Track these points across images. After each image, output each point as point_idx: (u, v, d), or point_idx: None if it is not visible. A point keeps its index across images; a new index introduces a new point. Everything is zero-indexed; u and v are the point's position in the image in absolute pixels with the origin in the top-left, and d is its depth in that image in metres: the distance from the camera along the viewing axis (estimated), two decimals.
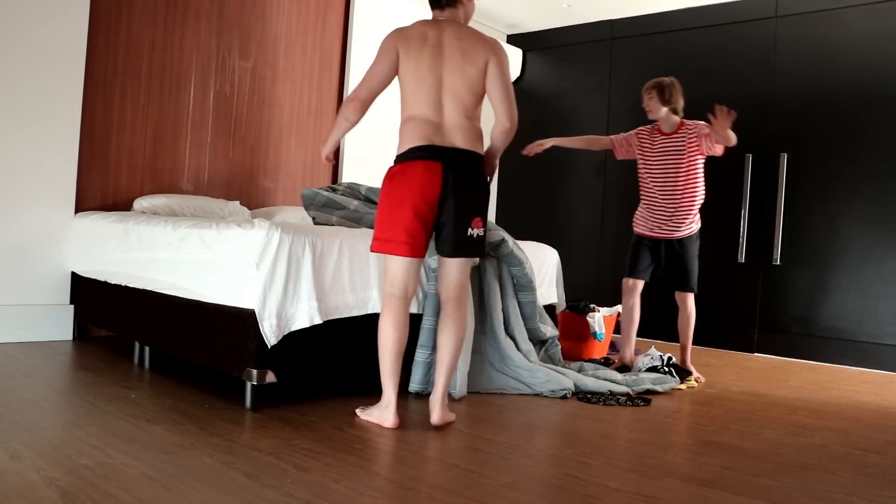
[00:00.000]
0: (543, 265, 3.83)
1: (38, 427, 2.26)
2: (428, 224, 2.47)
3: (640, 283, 3.86)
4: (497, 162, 2.78)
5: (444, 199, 2.46)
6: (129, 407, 2.55)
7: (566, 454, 2.32)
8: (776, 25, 5.10)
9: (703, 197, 3.76)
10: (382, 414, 2.51)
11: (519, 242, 3.48)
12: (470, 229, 2.51)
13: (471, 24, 2.90)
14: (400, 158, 2.50)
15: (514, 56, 6.30)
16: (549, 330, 3.42)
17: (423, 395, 3.00)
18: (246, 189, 4.70)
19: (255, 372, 2.58)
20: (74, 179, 3.86)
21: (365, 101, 2.59)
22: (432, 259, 3.00)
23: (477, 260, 3.13)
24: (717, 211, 5.27)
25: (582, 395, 3.17)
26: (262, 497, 1.76)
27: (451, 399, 2.98)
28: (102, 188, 4.04)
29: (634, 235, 3.87)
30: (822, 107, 4.87)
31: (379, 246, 2.49)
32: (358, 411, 2.62)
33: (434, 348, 3.02)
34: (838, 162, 4.79)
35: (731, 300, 5.16)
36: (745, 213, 5.11)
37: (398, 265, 2.48)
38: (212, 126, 4.50)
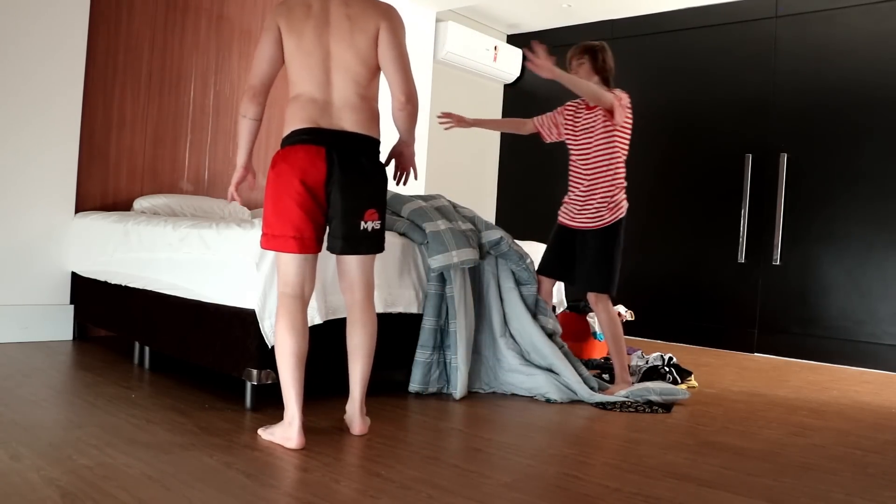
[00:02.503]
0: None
1: (38, 427, 2.26)
2: (316, 216, 2.23)
3: (547, 282, 3.42)
4: (412, 151, 2.52)
5: (330, 188, 2.22)
6: (129, 407, 2.55)
7: (566, 454, 2.32)
8: (776, 25, 5.10)
9: (620, 181, 3.28)
10: (286, 432, 2.19)
11: (519, 242, 3.47)
12: (363, 222, 2.27)
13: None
14: (283, 143, 2.26)
15: (515, 56, 6.30)
16: (550, 322, 3.32)
17: (423, 396, 3.00)
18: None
19: (255, 372, 2.57)
20: (74, 179, 3.86)
21: (258, 89, 2.30)
22: (432, 259, 3.00)
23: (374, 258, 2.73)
24: (717, 211, 5.28)
25: (598, 403, 3.01)
26: (262, 497, 1.76)
27: (451, 399, 2.98)
28: (102, 188, 4.04)
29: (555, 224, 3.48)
30: (822, 107, 4.87)
31: (267, 242, 2.24)
32: (260, 431, 2.30)
33: (434, 348, 3.02)
34: (838, 162, 4.79)
35: (731, 300, 5.16)
36: (745, 213, 5.11)
37: (289, 262, 2.23)
38: (212, 126, 4.50)
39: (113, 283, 3.44)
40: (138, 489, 1.76)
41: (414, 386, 3.00)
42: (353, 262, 2.33)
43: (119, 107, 4.08)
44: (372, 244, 2.33)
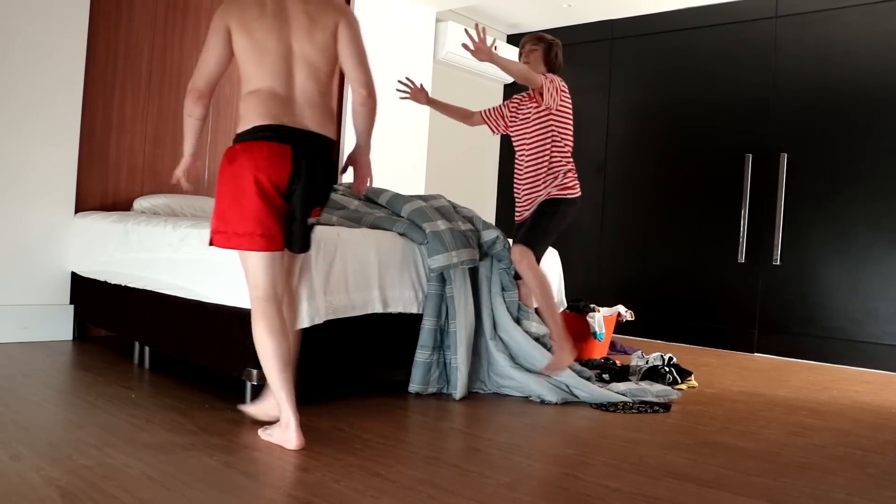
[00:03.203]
0: (543, 265, 3.82)
1: (38, 427, 2.26)
2: (280, 213, 2.19)
3: (524, 286, 3.30)
4: (369, 160, 2.51)
5: (292, 188, 2.20)
6: (129, 407, 2.55)
7: (566, 454, 2.32)
8: (776, 25, 5.10)
9: (561, 165, 3.22)
10: (284, 434, 2.17)
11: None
12: (310, 219, 2.32)
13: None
14: (242, 137, 2.19)
15: (515, 56, 6.29)
16: (534, 326, 3.29)
17: (423, 396, 3.00)
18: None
19: (255, 372, 2.57)
20: (74, 179, 3.86)
21: (203, 91, 2.28)
22: (432, 259, 3.00)
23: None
24: (717, 211, 5.28)
25: (598, 404, 3.00)
26: (262, 497, 1.76)
27: (451, 399, 2.98)
28: (102, 188, 4.04)
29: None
30: (822, 107, 4.87)
31: (225, 240, 2.16)
32: (259, 432, 2.28)
33: (434, 348, 3.02)
34: (838, 162, 4.79)
35: (731, 300, 5.16)
36: (745, 213, 5.11)
37: (258, 263, 2.17)
38: (211, 126, 4.50)
39: (113, 283, 3.44)
40: (138, 489, 1.76)
41: (414, 386, 3.00)
42: (295, 258, 2.40)
43: (119, 107, 4.08)
44: (309, 239, 2.40)
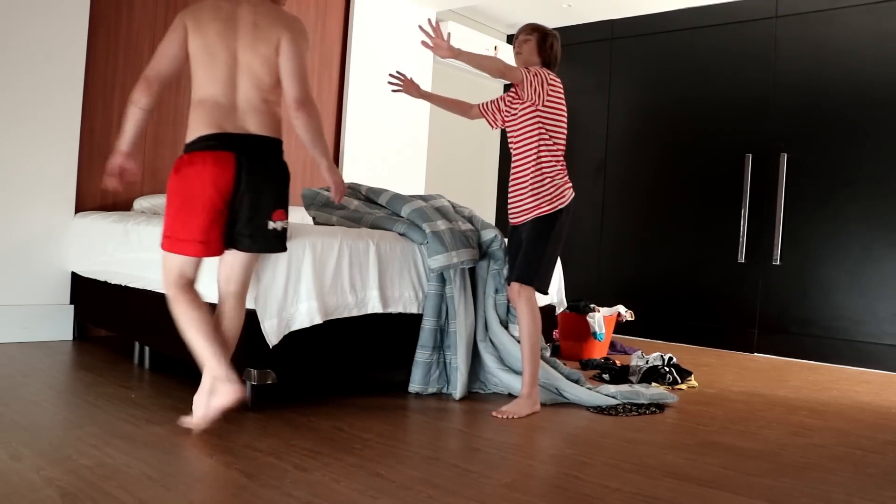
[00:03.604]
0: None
1: (38, 427, 2.26)
2: (222, 219, 2.29)
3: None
4: (338, 178, 2.55)
5: (238, 191, 2.28)
6: (129, 407, 2.55)
7: (566, 454, 2.32)
8: (776, 25, 5.10)
9: (551, 167, 2.96)
10: (221, 392, 2.23)
11: None
12: (271, 222, 2.34)
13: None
14: (188, 148, 2.29)
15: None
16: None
17: (423, 396, 3.00)
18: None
19: (255, 372, 2.58)
20: (74, 179, 3.86)
21: (153, 82, 2.33)
22: (432, 259, 3.00)
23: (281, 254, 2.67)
24: (717, 211, 5.28)
25: (595, 408, 2.95)
26: (262, 497, 1.76)
27: (451, 399, 2.98)
28: (102, 188, 4.04)
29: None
30: (822, 107, 4.87)
31: (171, 245, 2.30)
32: (185, 419, 2.33)
33: (434, 348, 3.02)
34: (838, 162, 4.79)
35: (731, 300, 5.16)
36: (745, 213, 5.11)
37: (188, 264, 2.32)
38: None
39: (113, 283, 3.44)
40: (138, 489, 1.76)
41: (414, 386, 3.00)
42: (241, 258, 2.38)
43: (119, 107, 4.08)
44: (279, 243, 2.40)
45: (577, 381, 3.17)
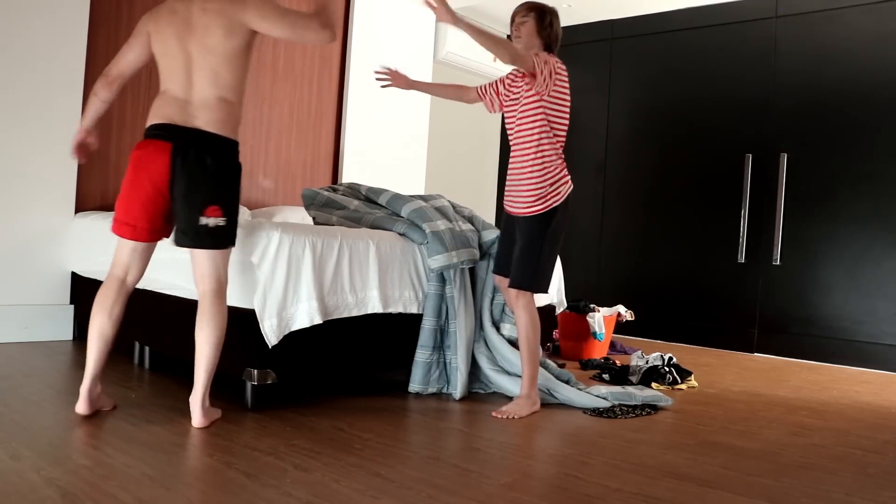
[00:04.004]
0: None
1: (38, 427, 2.26)
2: (158, 207, 2.37)
3: (502, 281, 3.03)
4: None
5: (172, 183, 2.33)
6: (129, 407, 2.55)
7: (566, 454, 2.32)
8: (776, 25, 5.10)
9: (552, 160, 2.84)
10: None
11: None
12: (203, 217, 2.32)
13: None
14: (144, 135, 2.43)
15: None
16: (506, 329, 3.27)
17: (423, 396, 3.00)
18: (246, 189, 4.70)
19: (255, 372, 2.58)
20: (74, 179, 3.86)
21: (113, 78, 2.54)
22: (432, 259, 3.00)
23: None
24: (717, 210, 5.28)
25: (592, 410, 2.90)
26: (262, 497, 1.76)
27: (451, 399, 2.98)
28: (102, 188, 4.04)
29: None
30: (822, 107, 4.87)
31: (113, 225, 2.43)
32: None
33: (434, 348, 3.02)
34: (838, 162, 4.79)
35: (731, 300, 5.16)
36: (745, 213, 5.11)
37: (121, 247, 2.42)
38: None
39: None
40: (138, 489, 1.76)
41: (414, 386, 3.00)
42: (199, 255, 2.38)
43: (119, 106, 4.08)
44: (214, 240, 2.36)
45: (567, 381, 3.15)
